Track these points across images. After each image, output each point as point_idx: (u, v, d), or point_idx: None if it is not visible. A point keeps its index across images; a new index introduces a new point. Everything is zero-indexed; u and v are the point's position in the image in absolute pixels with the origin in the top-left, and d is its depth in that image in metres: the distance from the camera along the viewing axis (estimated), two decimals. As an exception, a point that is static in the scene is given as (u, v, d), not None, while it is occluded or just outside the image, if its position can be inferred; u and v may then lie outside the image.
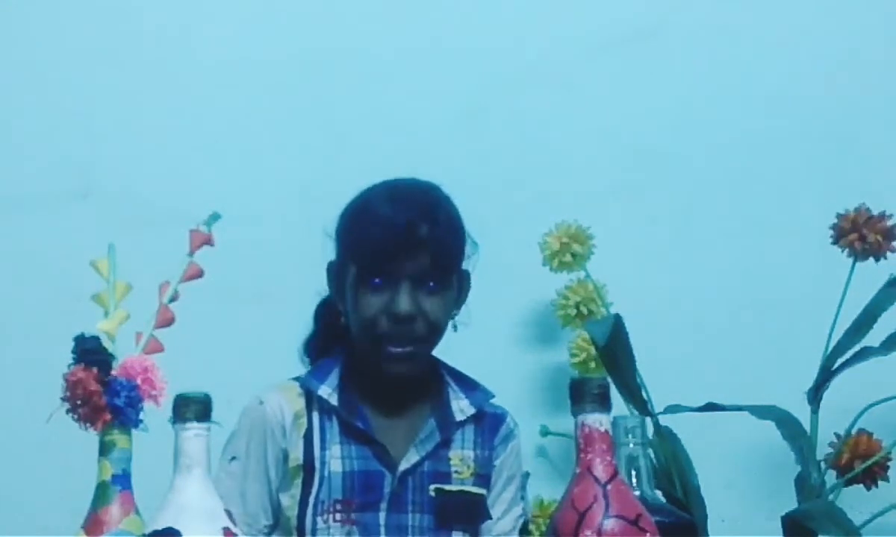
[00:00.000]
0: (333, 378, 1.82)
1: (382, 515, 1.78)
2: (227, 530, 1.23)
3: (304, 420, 1.81)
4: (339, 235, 1.86)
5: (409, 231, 1.77)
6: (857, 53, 2.40)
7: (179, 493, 1.23)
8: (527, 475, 1.98)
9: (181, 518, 1.21)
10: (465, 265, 1.88)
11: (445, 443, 1.84)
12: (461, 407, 1.86)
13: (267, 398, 1.82)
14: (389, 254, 1.77)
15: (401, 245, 1.77)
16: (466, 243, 1.88)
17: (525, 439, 2.13)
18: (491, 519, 1.86)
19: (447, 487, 1.82)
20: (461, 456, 1.85)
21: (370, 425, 1.81)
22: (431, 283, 1.79)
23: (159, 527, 1.20)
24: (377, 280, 1.78)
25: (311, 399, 1.82)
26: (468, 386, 1.88)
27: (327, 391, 1.81)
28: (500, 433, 1.90)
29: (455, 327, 1.86)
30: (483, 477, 1.86)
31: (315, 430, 1.80)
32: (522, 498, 1.94)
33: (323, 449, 1.79)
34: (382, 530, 1.77)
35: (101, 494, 1.24)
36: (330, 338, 1.90)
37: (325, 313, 1.91)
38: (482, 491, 1.85)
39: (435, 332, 1.81)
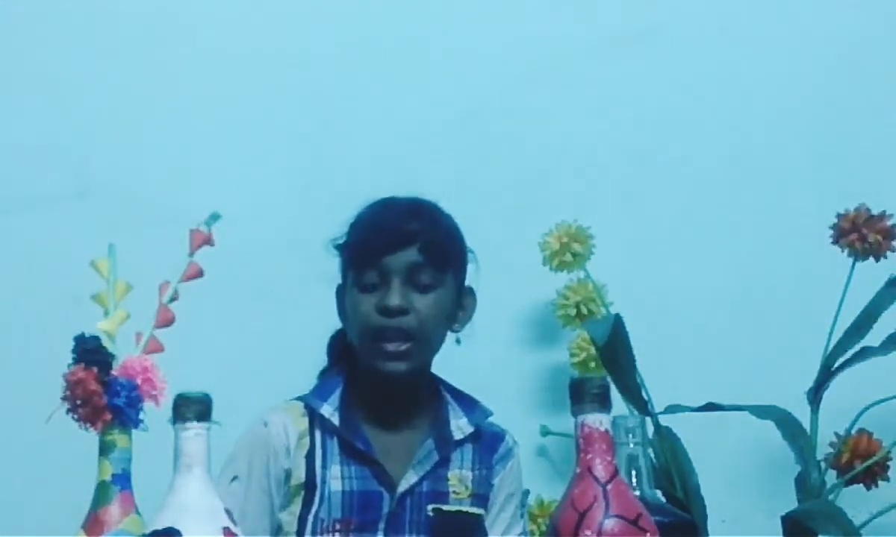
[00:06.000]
0: (335, 398, 1.84)
1: (381, 536, 1.79)
2: (227, 530, 1.23)
3: (308, 440, 1.82)
4: (340, 249, 1.89)
5: (399, 225, 1.83)
6: (856, 53, 2.39)
7: (179, 493, 1.23)
8: (527, 493, 1.98)
9: (181, 518, 1.21)
10: (468, 282, 1.91)
11: (444, 463, 1.85)
12: (459, 425, 1.87)
13: (271, 419, 1.83)
14: (380, 249, 1.81)
15: (391, 239, 1.82)
16: (465, 254, 1.90)
17: (525, 439, 2.13)
18: None
19: (445, 507, 1.83)
20: (459, 477, 1.85)
21: (370, 445, 1.82)
22: (423, 280, 1.82)
23: (159, 527, 1.20)
24: (372, 282, 1.81)
25: (315, 418, 1.83)
26: (467, 404, 1.89)
27: (329, 410, 1.82)
28: (499, 452, 1.91)
29: (458, 341, 1.90)
30: (481, 497, 1.87)
31: (317, 450, 1.82)
32: (522, 516, 1.95)
33: (324, 468, 1.80)
34: None
35: (101, 494, 1.24)
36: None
37: (337, 345, 1.93)
38: (480, 511, 1.86)
39: (428, 330, 1.82)
